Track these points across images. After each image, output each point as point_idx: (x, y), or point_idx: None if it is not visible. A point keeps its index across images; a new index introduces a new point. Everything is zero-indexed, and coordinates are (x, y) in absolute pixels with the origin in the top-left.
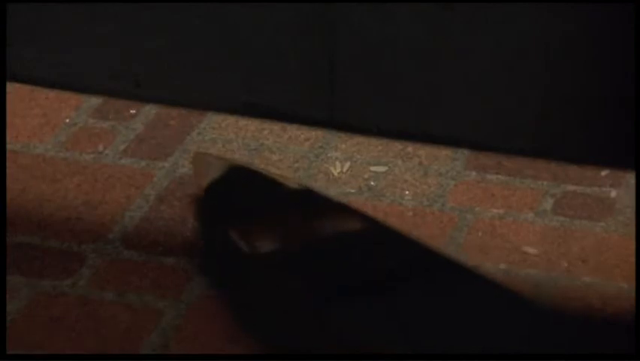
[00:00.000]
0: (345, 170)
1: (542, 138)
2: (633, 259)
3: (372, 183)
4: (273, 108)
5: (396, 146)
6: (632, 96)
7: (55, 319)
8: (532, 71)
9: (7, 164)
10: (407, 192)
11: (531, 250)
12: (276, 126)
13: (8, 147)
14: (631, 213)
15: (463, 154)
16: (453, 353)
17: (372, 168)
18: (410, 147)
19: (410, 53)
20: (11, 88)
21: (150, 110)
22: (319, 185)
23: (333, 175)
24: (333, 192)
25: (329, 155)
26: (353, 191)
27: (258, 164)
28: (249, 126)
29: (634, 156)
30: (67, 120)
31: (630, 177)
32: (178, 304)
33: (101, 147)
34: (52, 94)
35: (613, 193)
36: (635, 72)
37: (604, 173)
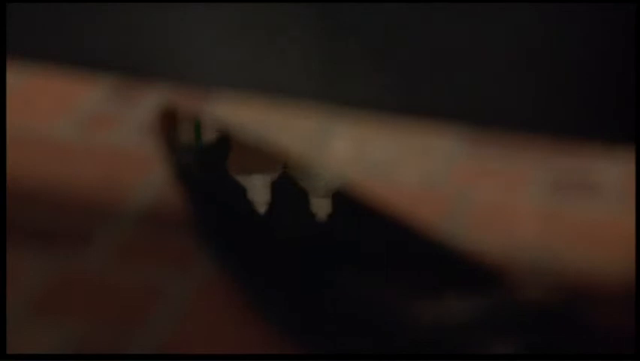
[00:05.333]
0: (348, 151)
1: (542, 120)
2: (633, 242)
3: (373, 163)
4: (278, 91)
5: (398, 127)
6: (631, 77)
7: (61, 296)
8: (531, 51)
9: (24, 147)
10: (408, 172)
11: (529, 231)
12: (282, 109)
13: (24, 127)
14: (630, 195)
15: (464, 135)
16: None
17: (375, 149)
18: (411, 128)
19: (410, 37)
20: (27, 72)
21: (160, 92)
22: (324, 166)
23: (337, 156)
24: (337, 172)
25: (333, 137)
26: (356, 171)
27: (265, 145)
28: (256, 108)
29: (633, 139)
30: (81, 103)
31: (629, 159)
32: (188, 283)
33: (114, 129)
34: (66, 77)
35: (611, 174)
36: (635, 57)
37: (602, 154)
